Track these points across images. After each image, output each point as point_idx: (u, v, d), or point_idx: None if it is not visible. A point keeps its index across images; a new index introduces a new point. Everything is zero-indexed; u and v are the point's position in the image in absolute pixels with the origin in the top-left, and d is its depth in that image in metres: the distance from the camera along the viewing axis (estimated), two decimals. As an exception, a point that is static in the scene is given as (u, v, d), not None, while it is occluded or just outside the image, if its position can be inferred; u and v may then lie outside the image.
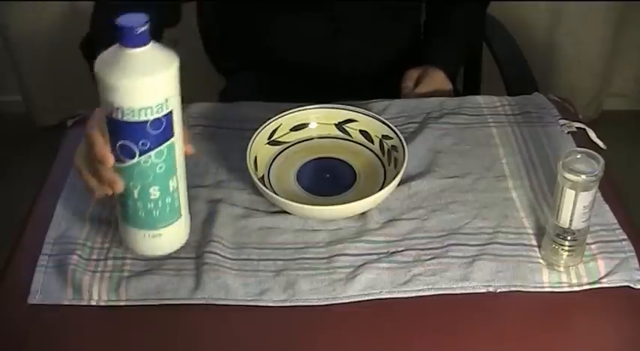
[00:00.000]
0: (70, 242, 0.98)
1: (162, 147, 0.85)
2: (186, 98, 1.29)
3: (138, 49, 0.81)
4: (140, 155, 0.85)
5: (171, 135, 0.86)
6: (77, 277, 0.93)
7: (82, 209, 1.03)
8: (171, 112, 0.84)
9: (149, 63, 0.81)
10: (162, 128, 0.84)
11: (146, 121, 0.83)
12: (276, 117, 1.09)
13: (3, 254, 0.99)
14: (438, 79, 1.33)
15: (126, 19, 0.80)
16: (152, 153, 0.85)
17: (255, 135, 1.06)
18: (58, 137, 1.18)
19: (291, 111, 1.11)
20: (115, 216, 0.97)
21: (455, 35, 1.40)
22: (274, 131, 1.10)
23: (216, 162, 1.10)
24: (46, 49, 2.21)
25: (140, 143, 0.84)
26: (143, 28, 0.80)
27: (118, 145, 0.85)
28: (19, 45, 2.20)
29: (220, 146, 1.13)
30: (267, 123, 1.08)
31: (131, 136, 0.84)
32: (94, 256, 0.96)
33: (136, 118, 0.82)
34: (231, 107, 1.22)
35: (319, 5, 1.30)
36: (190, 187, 0.99)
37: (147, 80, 0.81)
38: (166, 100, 0.83)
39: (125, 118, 0.82)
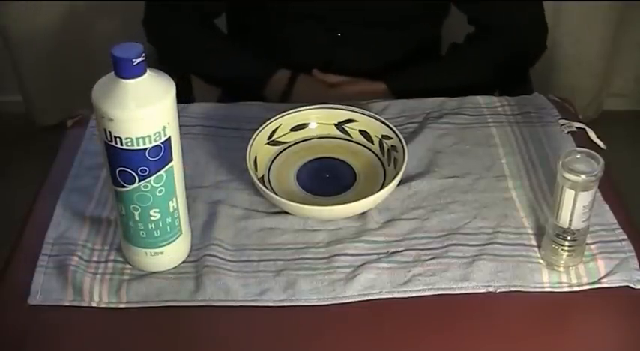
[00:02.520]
0: (70, 243, 0.98)
1: (161, 172, 0.86)
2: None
3: (134, 80, 0.81)
4: (140, 181, 0.86)
5: (170, 160, 0.87)
6: (78, 278, 0.93)
7: (81, 209, 1.03)
8: (169, 139, 0.85)
9: (146, 93, 0.82)
10: (161, 155, 0.85)
11: (145, 149, 0.83)
12: (276, 117, 1.09)
13: (3, 254, 0.99)
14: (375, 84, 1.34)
15: (122, 50, 0.80)
16: (152, 178, 0.86)
17: (255, 135, 1.06)
18: (58, 137, 1.18)
19: (291, 111, 1.11)
20: (114, 217, 0.98)
21: (434, 72, 1.38)
22: (274, 131, 1.10)
23: (216, 162, 1.10)
24: (46, 49, 2.21)
25: (139, 170, 0.85)
26: (140, 59, 0.80)
27: (117, 171, 0.86)
28: (19, 45, 2.20)
29: (220, 146, 1.13)
30: (267, 123, 1.08)
31: (130, 163, 0.85)
32: (95, 258, 0.96)
33: (134, 147, 0.83)
34: (231, 107, 1.22)
35: (319, 17, 1.33)
36: (190, 187, 1.00)
37: (144, 111, 0.82)
38: (164, 128, 0.84)
39: (124, 147, 0.83)
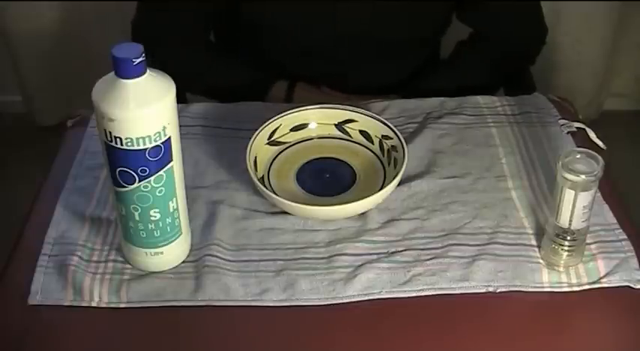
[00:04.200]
0: (70, 243, 0.98)
1: (161, 172, 0.86)
2: (187, 98, 1.30)
3: (134, 80, 0.81)
4: (140, 181, 0.86)
5: (170, 160, 0.87)
6: (78, 278, 0.93)
7: (82, 209, 1.03)
8: (169, 139, 0.85)
9: (146, 93, 0.82)
10: (161, 155, 0.85)
11: (145, 149, 0.83)
12: (276, 117, 1.09)
13: (3, 254, 0.99)
14: None
15: (122, 50, 0.80)
16: (151, 178, 0.86)
17: (255, 135, 1.06)
18: (58, 137, 1.18)
19: (291, 111, 1.11)
20: (114, 217, 0.98)
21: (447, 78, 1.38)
22: (274, 131, 1.10)
23: (216, 162, 1.10)
24: (46, 49, 2.21)
25: (139, 170, 0.85)
26: (140, 59, 0.80)
27: (117, 171, 0.86)
28: (19, 45, 2.20)
29: (220, 146, 1.13)
30: (267, 123, 1.08)
31: (130, 163, 0.85)
32: (95, 258, 0.96)
33: (134, 147, 0.83)
34: (231, 107, 1.21)
35: (328, 53, 1.33)
36: (190, 187, 1.00)
37: (144, 111, 0.82)
38: (164, 128, 0.84)
39: (124, 147, 0.83)
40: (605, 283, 0.94)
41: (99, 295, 0.93)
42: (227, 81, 1.35)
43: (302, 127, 1.12)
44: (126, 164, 0.85)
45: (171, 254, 0.95)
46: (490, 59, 1.37)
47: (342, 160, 1.10)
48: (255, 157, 1.06)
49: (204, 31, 1.40)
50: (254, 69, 1.36)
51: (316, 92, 1.34)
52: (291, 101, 1.33)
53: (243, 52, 1.40)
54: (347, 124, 1.12)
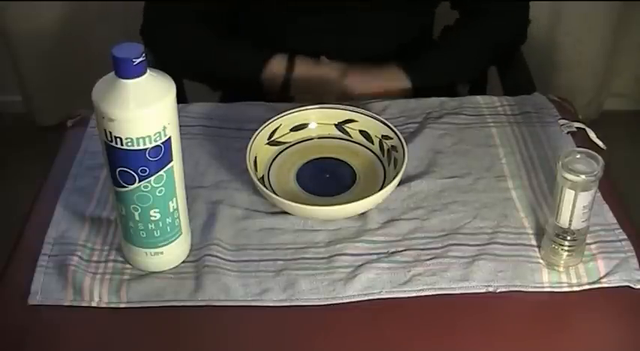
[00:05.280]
0: (70, 243, 0.98)
1: (161, 172, 0.86)
2: (187, 98, 1.31)
3: (135, 80, 0.81)
4: (140, 181, 0.86)
5: (170, 160, 0.87)
6: (78, 278, 0.93)
7: (82, 209, 1.03)
8: (169, 139, 0.85)
9: (146, 93, 0.82)
10: (162, 155, 0.85)
11: (145, 149, 0.84)
12: (276, 117, 1.09)
13: (3, 254, 0.99)
14: (390, 72, 1.32)
15: (122, 50, 0.80)
16: (152, 178, 0.86)
17: (255, 135, 1.06)
18: (58, 137, 1.18)
19: (291, 111, 1.11)
20: (114, 217, 0.98)
21: (445, 55, 1.37)
22: (274, 131, 1.10)
23: (216, 162, 1.10)
24: (46, 49, 2.21)
25: (140, 170, 0.85)
26: (140, 59, 0.80)
27: (117, 171, 0.86)
28: (19, 45, 2.20)
29: (220, 146, 1.13)
30: (267, 123, 1.08)
31: (130, 163, 0.85)
32: (95, 258, 0.96)
33: (134, 147, 0.83)
34: (231, 107, 1.22)
35: (330, 10, 1.32)
36: (190, 187, 1.00)
37: (145, 111, 0.82)
38: (164, 128, 0.84)
39: (124, 147, 0.83)
40: (605, 283, 0.94)
41: (99, 295, 0.93)
42: (228, 55, 1.35)
43: (302, 127, 1.12)
44: (126, 164, 0.85)
45: (172, 254, 0.95)
46: (477, 34, 1.36)
47: (342, 160, 1.10)
48: (255, 157, 1.06)
49: (212, 15, 1.41)
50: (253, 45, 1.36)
51: (316, 64, 1.33)
52: (291, 74, 1.31)
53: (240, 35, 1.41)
54: (347, 124, 1.12)
